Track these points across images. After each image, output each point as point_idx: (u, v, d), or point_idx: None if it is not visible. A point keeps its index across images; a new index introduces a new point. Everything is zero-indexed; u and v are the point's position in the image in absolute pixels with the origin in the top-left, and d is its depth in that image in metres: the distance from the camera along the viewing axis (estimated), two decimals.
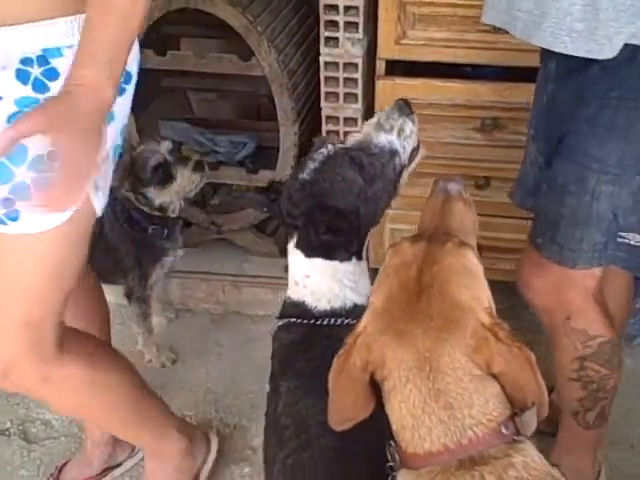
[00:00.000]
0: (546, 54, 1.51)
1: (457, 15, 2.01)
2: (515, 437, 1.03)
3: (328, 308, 1.43)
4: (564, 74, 1.48)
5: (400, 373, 1.03)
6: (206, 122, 2.88)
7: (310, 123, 2.46)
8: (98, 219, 1.45)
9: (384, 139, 1.45)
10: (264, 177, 2.52)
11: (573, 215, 1.49)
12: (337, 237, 1.37)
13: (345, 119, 2.19)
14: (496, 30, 1.94)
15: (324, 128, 2.22)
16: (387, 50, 2.10)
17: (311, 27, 2.50)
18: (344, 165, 1.41)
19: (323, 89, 2.18)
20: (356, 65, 2.12)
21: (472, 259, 1.09)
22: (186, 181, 2.19)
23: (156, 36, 2.54)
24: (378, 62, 2.13)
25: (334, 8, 2.08)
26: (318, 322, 1.42)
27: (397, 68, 2.14)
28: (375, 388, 1.09)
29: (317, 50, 2.18)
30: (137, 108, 2.51)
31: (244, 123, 2.87)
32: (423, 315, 1.04)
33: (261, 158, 2.72)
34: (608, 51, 1.34)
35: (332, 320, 1.42)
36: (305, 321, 1.43)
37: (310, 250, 1.41)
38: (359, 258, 1.46)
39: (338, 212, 1.38)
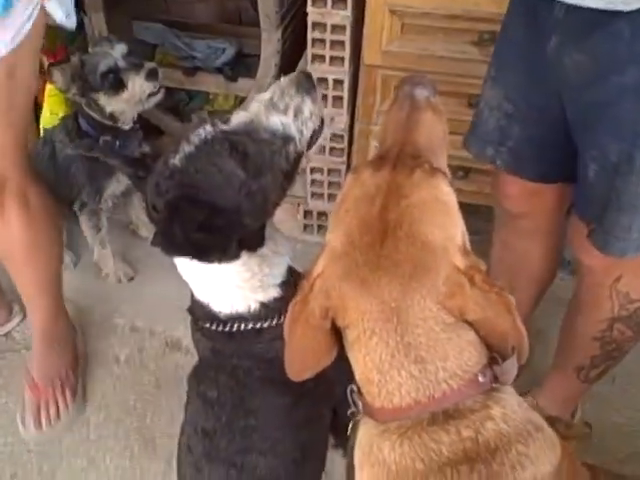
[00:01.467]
0: None
1: None
2: (494, 385, 0.95)
3: (233, 312, 1.27)
4: (580, 28, 1.26)
5: (364, 325, 0.93)
6: (183, 24, 2.72)
7: (295, 29, 2.32)
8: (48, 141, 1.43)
9: (277, 121, 1.19)
10: (244, 86, 2.40)
11: (618, 197, 1.33)
12: (209, 238, 1.11)
13: (333, 26, 2.03)
14: None
15: (309, 36, 2.07)
16: None
17: None
18: (222, 153, 1.14)
19: None
20: None
21: (444, 189, 0.96)
22: (138, 89, 2.03)
23: None
24: None
25: None
26: (227, 329, 1.27)
27: None
28: (337, 332, 1.00)
29: None
30: (109, 6, 2.39)
31: (224, 27, 2.71)
32: (389, 261, 0.91)
33: (241, 65, 2.57)
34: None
35: (241, 326, 1.27)
36: (214, 327, 1.28)
37: (171, 249, 1.12)
38: (254, 249, 1.24)
39: (211, 208, 1.13)
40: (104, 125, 2.08)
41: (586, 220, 1.42)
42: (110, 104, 2.04)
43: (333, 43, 2.07)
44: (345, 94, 2.13)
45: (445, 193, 0.97)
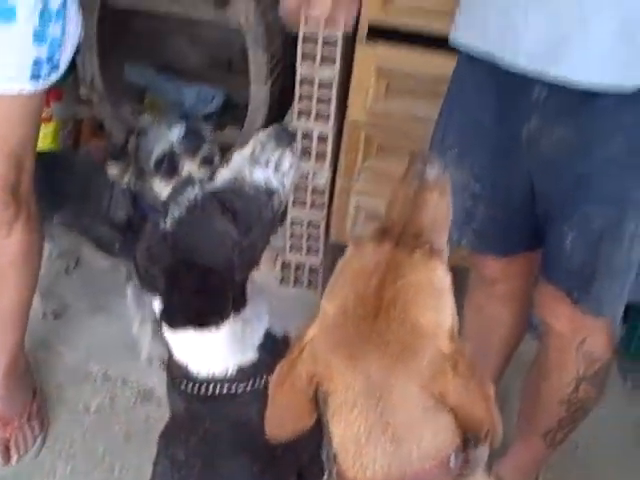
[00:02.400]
0: (525, 78, 1.30)
1: None
2: (463, 472, 0.96)
3: (211, 374, 1.26)
4: (565, 106, 1.28)
5: (347, 397, 0.94)
6: (174, 69, 2.73)
7: (283, 83, 2.33)
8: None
9: (260, 177, 1.21)
10: (230, 134, 2.41)
11: (609, 265, 1.34)
12: (209, 302, 1.13)
13: (320, 83, 2.05)
14: None
15: (297, 90, 2.08)
16: (372, 13, 1.96)
17: None
18: (213, 214, 1.16)
19: (300, 48, 2.04)
20: None
21: (440, 273, 0.98)
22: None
23: None
24: (361, 25, 1.99)
25: None
26: (202, 392, 1.26)
27: (379, 36, 2.00)
28: (317, 397, 1.01)
29: None
30: (103, 49, 2.40)
31: (214, 74, 2.73)
32: (379, 338, 0.93)
33: (228, 113, 2.59)
34: None
35: (217, 389, 1.26)
36: (189, 388, 1.28)
37: (177, 322, 1.14)
38: (237, 311, 1.23)
39: (207, 271, 1.14)
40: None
41: (565, 288, 1.43)
42: (165, 190, 1.92)
43: (320, 99, 2.08)
44: (328, 150, 2.15)
45: (440, 277, 0.98)
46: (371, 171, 2.18)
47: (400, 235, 1.01)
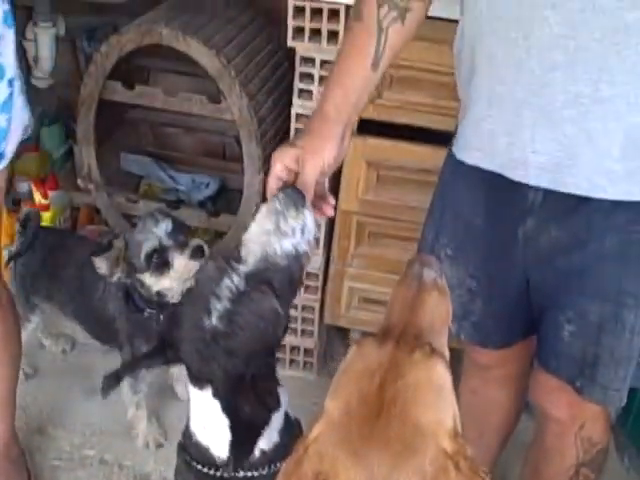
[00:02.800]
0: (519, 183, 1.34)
1: (436, 81, 1.99)
2: None
3: (232, 457, 1.25)
4: (562, 208, 1.33)
5: None
6: (169, 157, 2.83)
7: None
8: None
9: (289, 246, 1.19)
10: (225, 221, 2.48)
11: (612, 354, 1.38)
12: (268, 404, 1.17)
13: None
14: None
15: None
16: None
17: (283, 75, 2.47)
18: (263, 298, 1.15)
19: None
20: None
21: (441, 372, 1.01)
22: (183, 268, 1.94)
23: (125, 67, 2.49)
24: None
25: (310, 61, 2.05)
26: (219, 474, 1.27)
27: (369, 127, 2.10)
28: None
29: (289, 99, 2.14)
30: (99, 138, 2.49)
31: (208, 162, 2.82)
32: (381, 437, 0.95)
33: (223, 199, 2.67)
34: None
35: (234, 474, 1.26)
36: (206, 469, 1.28)
37: (233, 415, 1.17)
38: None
39: (264, 369, 1.17)
40: (153, 300, 2.02)
41: (566, 377, 1.45)
42: (157, 284, 1.98)
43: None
44: (322, 236, 2.22)
45: (440, 376, 1.00)
46: (364, 256, 2.25)
47: (401, 335, 1.03)
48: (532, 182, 1.32)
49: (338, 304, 2.34)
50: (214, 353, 1.16)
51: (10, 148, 1.61)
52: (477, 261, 1.48)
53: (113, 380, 1.26)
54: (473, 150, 1.39)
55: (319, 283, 2.31)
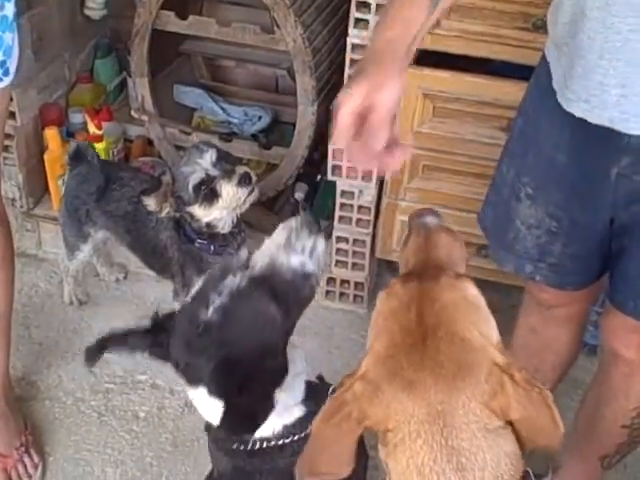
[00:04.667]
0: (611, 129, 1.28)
1: (495, 9, 1.92)
2: None
3: (257, 436, 1.27)
4: None
5: (410, 428, 0.93)
6: (222, 90, 2.81)
7: (330, 104, 2.39)
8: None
9: (296, 262, 1.23)
10: (277, 154, 2.47)
11: None
12: (258, 397, 1.14)
13: None
14: (534, 29, 1.89)
15: None
16: None
17: (340, 4, 2.42)
18: (260, 300, 1.18)
19: (347, 71, 2.10)
20: None
21: (472, 291, 1.00)
22: (232, 196, 1.94)
23: None
24: None
25: None
26: (248, 447, 1.27)
27: (425, 58, 2.05)
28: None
29: (345, 30, 2.10)
30: (153, 70, 2.48)
31: (261, 95, 2.80)
32: (433, 362, 0.94)
33: (275, 133, 2.65)
34: None
35: (264, 444, 1.28)
36: (235, 446, 1.29)
37: (238, 430, 1.17)
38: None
39: (257, 363, 1.15)
40: (204, 231, 2.04)
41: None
42: (206, 215, 1.99)
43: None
44: (374, 169, 2.19)
45: (473, 294, 1.00)
46: (417, 190, 2.23)
47: (422, 271, 1.04)
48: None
49: (390, 238, 2.32)
50: (205, 345, 1.16)
51: (13, 67, 1.63)
52: (559, 200, 1.43)
53: (96, 351, 1.30)
54: (581, 102, 1.30)
55: (371, 217, 2.29)
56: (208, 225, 2.02)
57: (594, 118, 1.30)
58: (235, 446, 1.29)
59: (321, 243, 1.27)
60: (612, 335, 1.54)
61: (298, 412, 1.30)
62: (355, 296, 2.46)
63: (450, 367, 0.93)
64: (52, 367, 2.26)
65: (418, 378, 0.93)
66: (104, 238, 2.30)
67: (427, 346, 0.94)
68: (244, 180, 1.94)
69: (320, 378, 1.39)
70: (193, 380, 1.20)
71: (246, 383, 1.12)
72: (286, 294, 1.21)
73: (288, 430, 1.29)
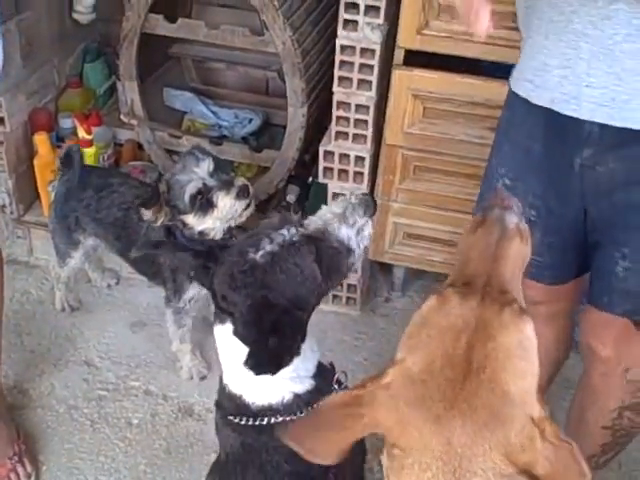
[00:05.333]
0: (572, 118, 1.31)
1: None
2: None
3: (266, 404, 1.30)
4: (617, 140, 1.29)
5: (423, 458, 0.89)
6: (212, 93, 2.80)
7: (320, 106, 2.38)
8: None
9: (344, 234, 1.30)
10: (268, 156, 2.45)
11: None
12: (283, 340, 1.17)
13: (357, 106, 2.10)
14: None
15: (334, 113, 2.13)
16: (407, 39, 2.00)
17: (329, 5, 2.42)
18: (306, 256, 1.23)
19: (337, 73, 2.08)
20: (373, 51, 2.03)
21: (530, 334, 0.94)
22: (229, 208, 1.93)
23: (168, 0, 2.46)
24: (397, 51, 2.04)
25: None
26: (257, 422, 1.30)
27: (415, 58, 2.04)
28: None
29: (334, 31, 2.09)
30: (143, 74, 2.47)
31: (251, 97, 2.79)
32: (467, 404, 0.88)
33: (266, 135, 2.64)
34: None
35: (272, 419, 1.30)
36: (244, 421, 1.31)
37: (263, 369, 1.17)
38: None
39: (288, 311, 1.19)
40: (195, 238, 1.99)
41: (621, 312, 1.44)
42: (199, 224, 1.96)
43: (357, 122, 2.13)
44: (366, 170, 2.19)
45: (529, 338, 0.94)
46: (409, 191, 2.22)
47: (485, 288, 0.96)
48: (585, 117, 1.28)
49: (382, 240, 2.31)
50: (245, 282, 1.20)
51: None
52: (537, 189, 1.44)
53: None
54: (525, 82, 1.36)
55: None
56: (200, 233, 1.99)
57: (537, 99, 1.34)
58: (243, 421, 1.31)
59: (369, 226, 1.34)
60: (589, 332, 1.54)
61: (308, 384, 1.32)
62: (348, 298, 2.45)
63: (483, 414, 0.88)
64: (44, 375, 2.24)
65: (446, 416, 0.89)
66: (95, 245, 2.28)
67: (465, 385, 0.89)
68: (242, 193, 1.93)
69: (331, 365, 1.42)
70: (224, 314, 1.25)
71: (277, 324, 1.16)
72: (329, 259, 1.27)
73: (296, 403, 1.31)
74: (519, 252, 1.03)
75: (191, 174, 1.91)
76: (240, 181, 1.96)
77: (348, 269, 1.33)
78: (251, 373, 1.16)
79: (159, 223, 1.93)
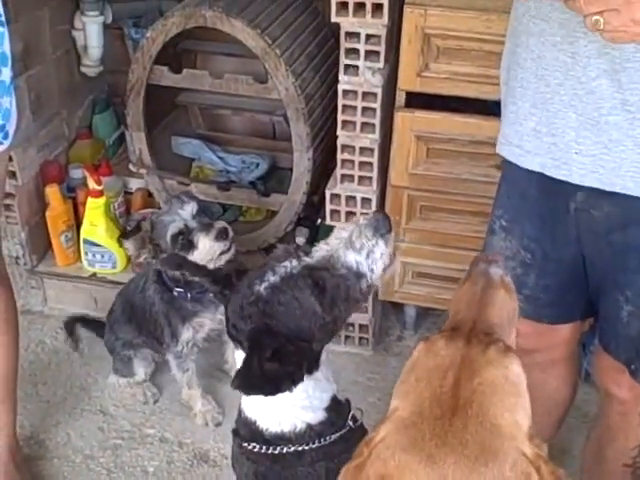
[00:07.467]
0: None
1: (483, 50, 1.95)
2: None
3: (279, 431, 1.32)
4: (608, 191, 1.30)
5: None
6: (220, 139, 2.84)
7: (325, 149, 2.42)
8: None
9: (352, 259, 1.28)
10: (275, 200, 2.48)
11: None
12: (284, 366, 1.18)
13: (361, 149, 2.13)
14: None
15: (339, 157, 2.16)
16: (408, 82, 2.04)
17: (330, 51, 2.46)
18: (305, 290, 1.23)
19: (340, 117, 2.12)
20: (375, 95, 2.06)
21: (516, 370, 0.96)
22: (208, 249, 2.01)
23: (172, 51, 2.51)
24: (398, 93, 2.07)
25: (355, 36, 2.02)
26: (269, 451, 1.32)
27: (417, 100, 2.08)
28: None
29: (335, 75, 2.13)
30: (150, 123, 2.52)
31: (258, 142, 2.82)
32: (457, 440, 0.89)
33: (273, 179, 2.67)
34: None
35: (284, 448, 1.31)
36: (257, 448, 1.33)
37: (249, 389, 1.20)
38: (310, 372, 1.28)
39: (286, 338, 1.21)
40: (179, 279, 2.05)
41: (623, 359, 1.44)
42: None
43: (362, 164, 2.16)
44: None
45: (516, 374, 0.96)
46: (416, 231, 2.24)
47: (471, 331, 0.99)
48: (575, 181, 1.31)
49: (392, 279, 2.32)
50: (251, 313, 1.24)
51: (12, 130, 1.65)
52: (532, 232, 1.45)
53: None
54: (513, 147, 1.39)
55: None
56: (182, 274, 2.03)
57: (526, 163, 1.37)
58: (257, 448, 1.33)
59: (381, 247, 1.29)
60: (604, 375, 1.54)
61: (322, 415, 1.33)
62: (360, 338, 2.46)
63: (474, 449, 0.88)
64: (60, 424, 2.25)
65: (438, 453, 0.89)
66: None
67: (455, 421, 0.90)
68: (221, 235, 2.02)
69: (347, 401, 1.43)
70: (235, 341, 1.29)
71: (278, 352, 1.18)
72: (335, 288, 1.26)
73: (308, 433, 1.32)
74: (504, 302, 1.07)
75: (174, 215, 2.02)
76: (220, 224, 2.05)
77: (362, 294, 1.31)
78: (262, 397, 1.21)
79: (142, 259, 2.04)
